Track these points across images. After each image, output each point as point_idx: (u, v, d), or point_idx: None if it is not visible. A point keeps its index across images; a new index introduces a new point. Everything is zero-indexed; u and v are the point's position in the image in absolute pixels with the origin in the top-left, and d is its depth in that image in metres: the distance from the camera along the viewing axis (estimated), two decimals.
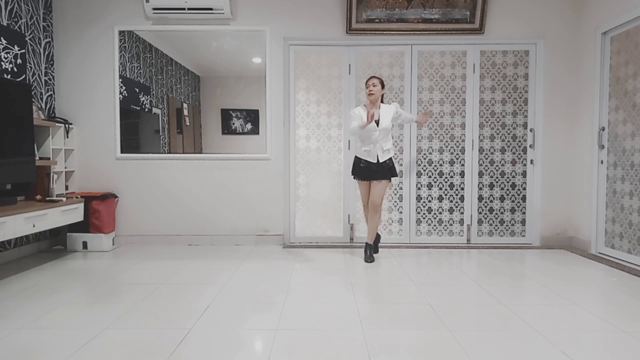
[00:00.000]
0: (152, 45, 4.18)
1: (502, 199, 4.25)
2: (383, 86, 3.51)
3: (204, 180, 4.19)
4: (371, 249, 3.59)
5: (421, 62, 4.20)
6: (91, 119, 4.16)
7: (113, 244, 4.08)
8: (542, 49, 4.13)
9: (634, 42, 3.48)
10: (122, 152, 4.16)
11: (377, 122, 3.43)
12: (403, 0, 4.01)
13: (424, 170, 4.23)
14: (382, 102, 3.56)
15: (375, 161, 3.45)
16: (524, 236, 4.26)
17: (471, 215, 4.24)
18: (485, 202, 4.25)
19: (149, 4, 3.90)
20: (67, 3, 4.10)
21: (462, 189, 4.24)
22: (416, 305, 2.49)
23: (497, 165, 4.24)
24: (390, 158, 3.48)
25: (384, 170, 3.45)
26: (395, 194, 4.25)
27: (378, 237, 3.77)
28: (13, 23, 3.57)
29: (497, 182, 4.24)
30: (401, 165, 4.22)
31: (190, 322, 2.22)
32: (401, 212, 4.25)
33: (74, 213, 3.63)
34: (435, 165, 4.24)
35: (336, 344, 1.96)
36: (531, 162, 4.22)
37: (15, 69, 3.57)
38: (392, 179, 3.65)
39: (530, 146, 4.22)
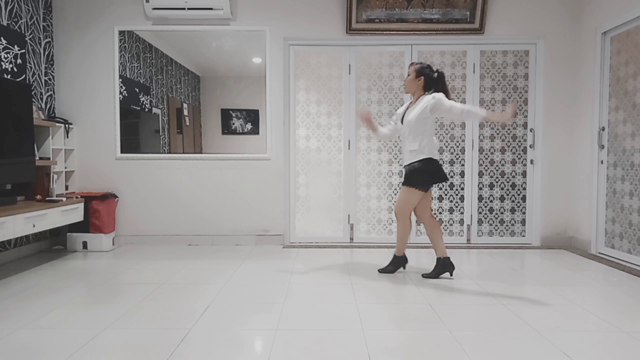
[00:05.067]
0: (152, 45, 4.18)
1: (502, 199, 4.25)
2: (419, 75, 2.97)
3: (204, 180, 4.19)
4: (392, 260, 3.20)
5: None
6: (91, 119, 4.16)
7: (113, 244, 4.08)
8: (542, 49, 4.13)
9: (634, 42, 3.48)
10: (122, 152, 4.16)
11: (402, 118, 3.07)
12: (403, 0, 4.01)
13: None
14: (426, 92, 3.01)
15: (403, 164, 3.14)
16: (524, 236, 4.26)
17: (471, 215, 4.24)
18: (485, 202, 4.25)
19: (149, 3, 3.90)
20: (67, 3, 4.10)
21: (462, 189, 4.24)
22: (416, 305, 2.49)
23: (497, 165, 4.24)
24: (417, 162, 2.93)
25: (405, 175, 3.04)
26: (395, 194, 4.25)
27: (400, 258, 3.17)
28: (13, 23, 3.57)
29: (497, 182, 4.24)
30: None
31: (190, 322, 2.22)
32: None
33: (74, 213, 3.63)
34: None
35: (336, 344, 1.96)
36: (531, 162, 4.22)
37: (15, 69, 3.57)
38: (417, 188, 2.95)
39: (530, 146, 4.22)
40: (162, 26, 4.11)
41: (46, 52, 4.01)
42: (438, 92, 2.94)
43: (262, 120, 4.18)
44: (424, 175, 2.94)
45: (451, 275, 3.07)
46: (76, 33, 4.12)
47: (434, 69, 3.02)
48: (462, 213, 4.25)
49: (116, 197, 4.12)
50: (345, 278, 3.05)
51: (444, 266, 3.06)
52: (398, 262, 3.18)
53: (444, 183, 4.22)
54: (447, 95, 2.92)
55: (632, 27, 3.49)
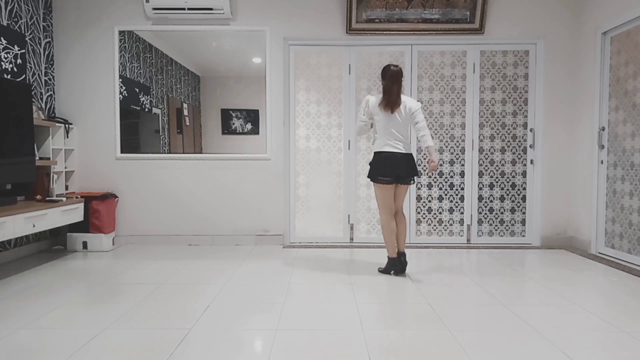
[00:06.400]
0: (152, 45, 4.18)
1: (502, 199, 4.25)
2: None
3: (204, 180, 4.19)
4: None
5: (421, 62, 4.20)
6: (91, 119, 4.15)
7: (113, 244, 4.08)
8: (542, 49, 4.13)
9: (634, 42, 3.48)
10: (122, 152, 4.16)
11: None
12: (403, 0, 4.01)
13: (424, 171, 4.23)
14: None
15: None
16: (524, 236, 4.26)
17: (471, 215, 4.24)
18: (485, 202, 4.25)
19: (149, 4, 3.90)
20: (68, 3, 4.10)
21: (462, 189, 4.24)
22: (416, 305, 2.49)
23: (497, 165, 4.24)
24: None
25: None
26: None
27: (393, 260, 3.18)
28: (13, 23, 3.57)
29: (497, 182, 4.24)
30: None
31: (190, 322, 2.22)
32: None
33: (74, 213, 3.63)
34: None
35: (336, 344, 1.96)
36: (531, 162, 4.22)
37: (15, 69, 3.57)
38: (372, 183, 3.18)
39: (530, 146, 4.22)
40: (162, 26, 4.11)
41: (46, 52, 4.01)
42: (384, 88, 3.08)
43: (262, 120, 4.18)
44: (370, 168, 3.13)
45: (396, 274, 3.16)
46: (76, 33, 4.12)
47: (394, 64, 3.14)
48: (462, 213, 4.25)
49: (116, 197, 4.12)
50: (345, 278, 3.05)
51: (392, 264, 3.16)
52: (394, 263, 3.15)
53: (443, 183, 4.22)
54: (385, 92, 3.06)
55: (632, 27, 3.49)
